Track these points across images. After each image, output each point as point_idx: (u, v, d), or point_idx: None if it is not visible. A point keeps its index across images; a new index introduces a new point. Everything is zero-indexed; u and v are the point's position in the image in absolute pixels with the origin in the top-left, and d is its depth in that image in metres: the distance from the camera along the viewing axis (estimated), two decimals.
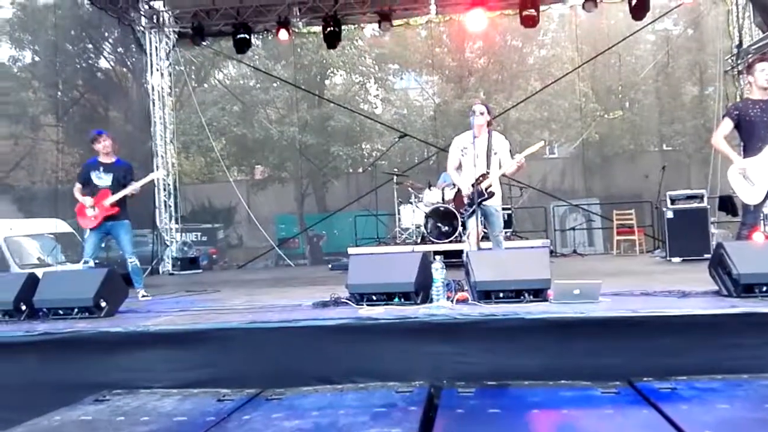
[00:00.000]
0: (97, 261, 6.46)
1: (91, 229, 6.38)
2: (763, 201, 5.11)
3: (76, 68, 18.39)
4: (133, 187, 6.41)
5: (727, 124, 5.25)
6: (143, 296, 6.40)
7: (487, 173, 5.77)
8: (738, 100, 10.83)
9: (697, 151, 16.51)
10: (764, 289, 4.08)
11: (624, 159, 18.74)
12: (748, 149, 5.18)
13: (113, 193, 6.37)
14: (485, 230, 6.34)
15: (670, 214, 8.71)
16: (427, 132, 18.33)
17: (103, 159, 6.50)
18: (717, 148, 5.41)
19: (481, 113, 5.74)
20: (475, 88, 19.09)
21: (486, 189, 5.74)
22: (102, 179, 6.41)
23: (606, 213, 13.98)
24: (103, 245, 6.93)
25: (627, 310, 3.87)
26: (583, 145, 17.71)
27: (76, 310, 4.78)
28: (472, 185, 5.70)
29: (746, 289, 4.10)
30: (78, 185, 6.52)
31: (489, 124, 5.91)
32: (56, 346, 4.22)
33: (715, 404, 3.05)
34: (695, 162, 16.53)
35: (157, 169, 6.51)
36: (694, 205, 8.72)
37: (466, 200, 5.82)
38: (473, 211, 5.70)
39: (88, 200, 6.34)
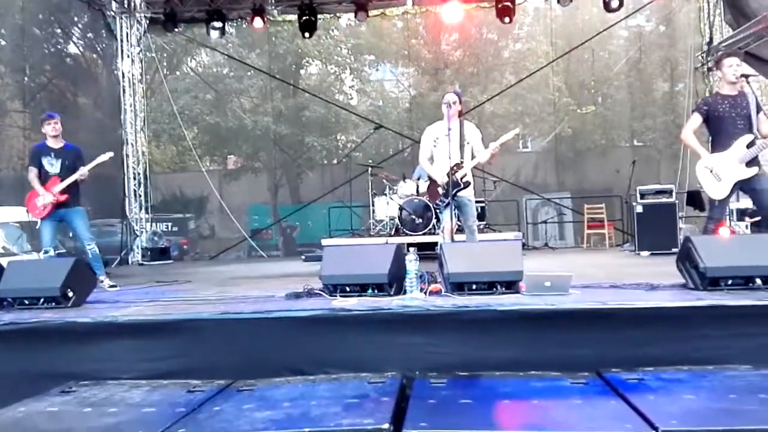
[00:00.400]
0: (60, 251, 6.28)
1: (42, 219, 6.18)
2: (729, 196, 5.18)
3: (44, 53, 17.92)
4: (80, 172, 6.18)
5: (696, 119, 5.33)
6: (110, 286, 6.25)
7: (461, 163, 5.78)
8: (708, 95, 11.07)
9: (667, 147, 16.77)
10: (730, 282, 4.18)
11: (596, 153, 18.96)
12: (716, 144, 5.24)
13: (62, 180, 6.16)
14: (459, 222, 6.37)
15: (639, 209, 8.85)
16: (402, 124, 18.31)
17: (51, 143, 6.27)
18: (686, 143, 5.49)
19: (453, 102, 5.73)
20: (450, 81, 19.09)
21: (461, 179, 5.75)
22: (53, 165, 6.20)
23: (577, 207, 14.16)
24: (58, 233, 6.70)
25: (596, 302, 3.93)
26: (556, 139, 17.86)
27: (42, 300, 4.68)
28: (447, 175, 5.71)
29: (712, 282, 4.19)
30: (34, 170, 6.24)
31: (461, 113, 5.92)
32: (22, 337, 4.13)
33: (681, 395, 3.12)
34: (665, 157, 16.79)
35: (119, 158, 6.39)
36: (663, 199, 8.87)
37: (441, 190, 5.82)
38: (448, 203, 5.72)
39: (43, 191, 6.13)
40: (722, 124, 5.13)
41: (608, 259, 8.27)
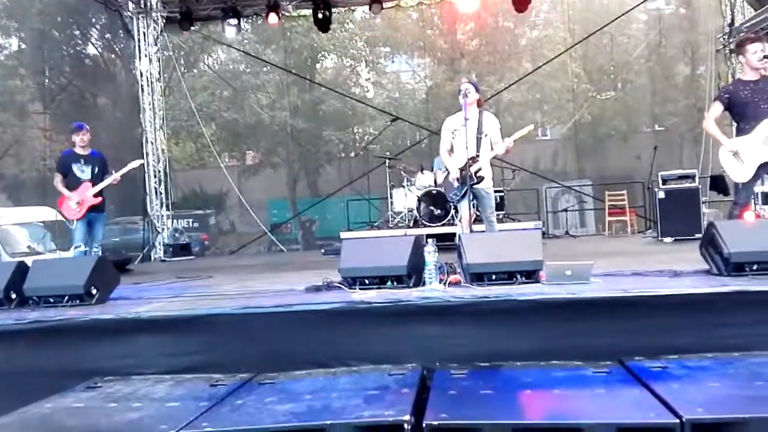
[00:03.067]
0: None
1: (77, 219, 6.68)
2: (753, 179, 5.14)
3: (63, 55, 18.22)
4: (114, 177, 6.72)
5: (717, 108, 5.29)
6: None
7: (477, 156, 5.71)
8: (729, 80, 10.85)
9: (689, 131, 16.52)
10: (755, 267, 4.10)
11: (616, 140, 18.73)
12: (740, 129, 5.23)
13: (94, 185, 6.68)
14: (477, 212, 6.33)
15: (661, 195, 8.72)
16: (419, 115, 18.25)
17: (80, 151, 6.77)
18: (708, 132, 5.45)
19: (468, 91, 5.62)
20: (467, 71, 18.96)
21: (475, 173, 5.69)
22: (84, 172, 6.71)
23: (598, 194, 14.01)
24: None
25: (618, 290, 3.88)
26: (575, 126, 17.68)
27: (66, 297, 4.75)
28: (461, 169, 5.66)
29: (737, 268, 4.11)
30: (59, 176, 6.77)
31: (479, 104, 5.85)
32: (47, 334, 4.19)
33: (705, 382, 3.07)
34: (687, 142, 16.56)
35: (142, 158, 6.93)
36: (686, 185, 8.73)
37: (455, 183, 5.77)
38: (464, 195, 5.68)
39: (74, 196, 6.67)
40: (745, 109, 5.10)
41: (630, 246, 8.17)
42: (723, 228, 4.30)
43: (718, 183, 10.06)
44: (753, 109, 5.06)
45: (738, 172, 5.14)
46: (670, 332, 3.71)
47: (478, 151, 5.72)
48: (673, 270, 4.53)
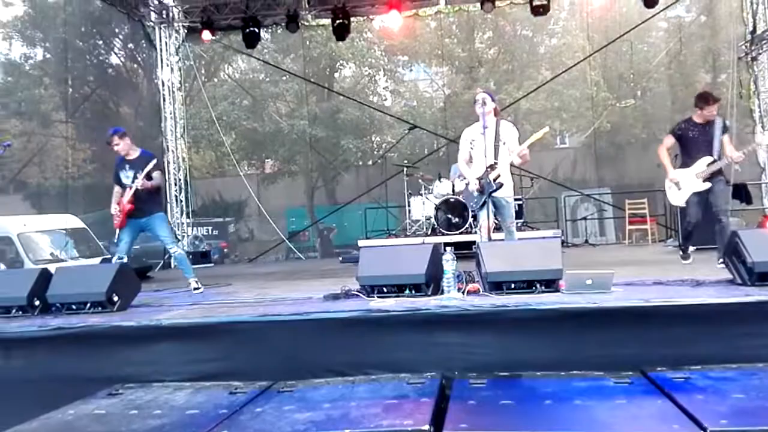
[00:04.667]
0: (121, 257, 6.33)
1: (120, 228, 6.28)
2: (688, 202, 6.07)
3: (86, 64, 18.51)
4: (136, 184, 6.16)
5: (669, 140, 6.22)
6: (195, 288, 6.33)
7: (495, 164, 5.69)
8: (752, 88, 10.74)
9: None
10: None
11: (636, 148, 18.55)
12: (683, 162, 6.12)
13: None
14: (497, 221, 6.30)
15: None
16: (437, 123, 18.25)
17: (127, 156, 6.32)
18: (659, 158, 6.31)
19: (483, 101, 5.59)
20: (485, 79, 18.96)
21: (494, 180, 5.67)
22: (128, 177, 6.26)
23: (618, 202, 13.88)
24: (137, 241, 6.70)
25: (640, 299, 3.84)
26: (594, 134, 17.56)
27: (89, 304, 4.81)
28: (479, 178, 5.64)
29: (761, 277, 4.06)
30: (116, 186, 6.37)
31: (496, 113, 5.84)
32: (70, 341, 4.25)
33: (729, 393, 3.03)
34: None
35: (162, 165, 6.34)
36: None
37: (475, 192, 5.76)
38: (483, 203, 5.66)
39: (115, 205, 6.27)
40: (690, 146, 6.01)
41: (651, 255, 8.08)
42: (746, 237, 4.24)
43: (741, 192, 9.90)
44: (696, 147, 5.95)
45: (675, 198, 6.17)
46: (693, 342, 3.66)
47: (496, 158, 5.69)
48: (695, 279, 4.49)
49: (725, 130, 5.91)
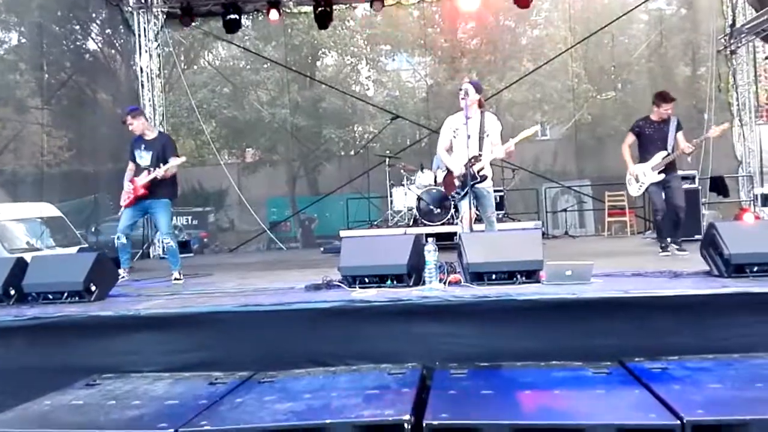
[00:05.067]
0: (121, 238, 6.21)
1: (125, 207, 6.19)
2: (643, 193, 6.75)
3: (63, 50, 18.11)
4: (156, 173, 6.02)
5: (630, 137, 6.82)
6: (175, 279, 6.24)
7: (479, 156, 5.70)
8: (730, 81, 10.89)
9: (689, 132, 16.38)
10: (755, 269, 4.11)
11: (616, 140, 18.49)
12: (641, 156, 6.68)
13: (150, 173, 6.07)
14: (478, 212, 6.32)
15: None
16: (419, 114, 18.21)
17: (144, 135, 6.18)
18: (622, 155, 6.90)
19: (467, 91, 5.59)
20: (467, 69, 18.91)
21: (478, 172, 5.68)
22: (143, 158, 6.12)
23: (598, 194, 13.98)
24: (138, 222, 6.74)
25: (618, 290, 3.89)
26: (575, 126, 17.64)
27: (65, 294, 4.75)
28: (465, 167, 5.65)
29: (737, 269, 4.12)
30: (130, 164, 6.23)
31: (481, 104, 5.84)
32: (46, 331, 4.19)
33: (706, 384, 3.08)
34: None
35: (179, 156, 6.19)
36: (686, 186, 8.69)
37: (457, 182, 5.77)
38: (465, 194, 5.67)
39: (128, 184, 6.17)
40: (647, 143, 6.61)
41: (630, 247, 8.17)
42: (724, 229, 4.30)
43: (718, 184, 10.05)
44: (653, 143, 6.55)
45: (634, 189, 6.80)
46: (670, 333, 3.71)
47: (480, 150, 5.71)
48: (673, 271, 4.54)
49: (679, 127, 6.57)
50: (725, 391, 2.95)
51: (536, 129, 6.20)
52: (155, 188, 6.15)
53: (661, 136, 6.54)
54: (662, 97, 6.66)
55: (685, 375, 3.22)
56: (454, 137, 5.83)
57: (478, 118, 5.73)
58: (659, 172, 6.52)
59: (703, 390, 2.97)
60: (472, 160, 5.62)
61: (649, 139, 6.62)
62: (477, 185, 5.72)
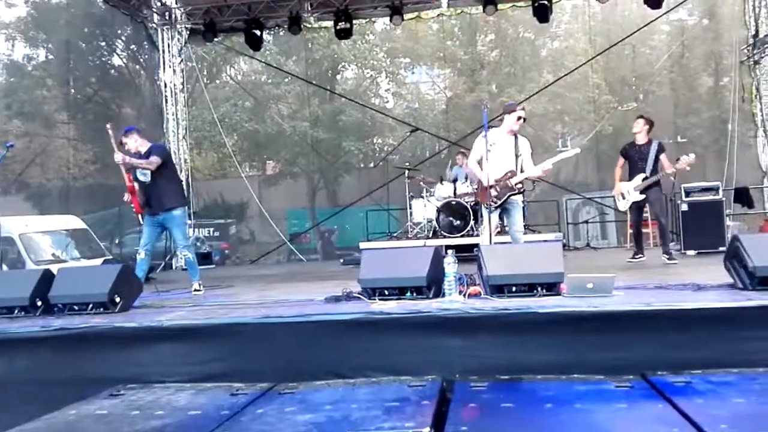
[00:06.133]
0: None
1: (143, 218, 6.21)
2: (630, 208, 7.39)
3: (89, 66, 18.54)
4: (117, 158, 5.90)
5: (620, 159, 7.51)
6: (195, 290, 6.29)
7: (514, 171, 5.85)
8: (753, 92, 10.75)
9: (713, 143, 16.30)
10: None
11: None
12: (628, 176, 7.35)
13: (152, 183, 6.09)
14: (503, 225, 6.42)
15: (684, 207, 8.62)
16: (438, 126, 18.27)
17: (139, 153, 6.21)
18: (615, 175, 7.60)
19: (519, 118, 5.90)
20: (487, 81, 18.97)
21: (515, 185, 5.83)
22: (145, 175, 6.13)
23: None
24: (162, 234, 6.71)
25: (641, 303, 3.85)
26: (596, 137, 17.55)
27: (91, 305, 4.82)
28: (497, 180, 5.79)
29: (762, 281, 4.05)
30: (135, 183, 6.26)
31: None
32: (72, 342, 4.26)
33: (730, 398, 3.03)
34: (710, 154, 16.32)
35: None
36: (709, 197, 8.61)
37: (494, 192, 5.85)
38: (500, 204, 5.82)
39: (128, 196, 6.19)
40: (632, 164, 7.30)
41: (653, 259, 8.07)
42: (748, 241, 4.24)
43: (743, 195, 9.91)
44: (636, 165, 7.23)
45: (621, 205, 7.47)
46: (693, 347, 3.66)
47: (515, 167, 5.89)
48: (696, 284, 4.48)
49: (661, 150, 7.19)
50: (750, 406, 2.91)
51: (576, 152, 7.01)
52: (156, 201, 6.14)
53: (642, 158, 7.21)
54: (638, 117, 7.54)
55: (709, 389, 3.18)
56: (490, 150, 5.87)
57: (513, 139, 5.96)
58: (641, 192, 7.19)
59: (728, 405, 2.93)
60: (509, 173, 5.84)
61: (632, 160, 7.31)
62: (513, 196, 5.90)
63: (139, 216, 6.24)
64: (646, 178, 7.17)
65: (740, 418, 2.74)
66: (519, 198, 6.02)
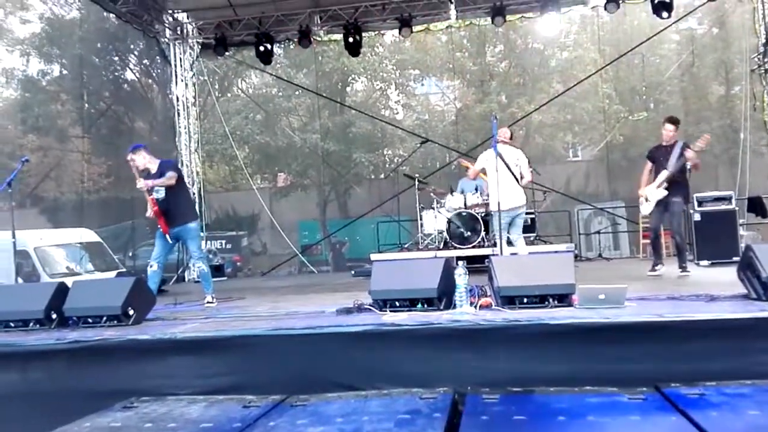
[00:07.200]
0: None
1: (159, 233, 6.32)
2: (653, 210, 7.23)
3: (102, 80, 18.79)
4: (140, 185, 6.12)
5: (648, 164, 7.40)
6: (208, 303, 6.35)
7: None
8: (765, 100, 10.72)
9: (724, 152, 16.19)
10: None
11: None
12: (655, 175, 7.20)
13: (164, 199, 6.22)
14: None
15: (697, 217, 8.55)
16: (448, 137, 18.28)
17: (149, 171, 6.31)
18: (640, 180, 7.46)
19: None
20: (496, 92, 18.99)
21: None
22: (159, 191, 6.22)
23: (632, 216, 13.78)
24: (175, 247, 6.85)
25: (653, 314, 3.83)
26: (607, 147, 17.50)
27: (104, 318, 4.86)
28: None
29: None
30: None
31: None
32: (86, 354, 4.30)
33: (744, 410, 3.00)
34: (723, 163, 16.22)
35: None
36: (722, 207, 8.55)
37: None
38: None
39: (148, 211, 6.28)
40: (657, 165, 7.19)
41: (666, 270, 8.02)
42: (761, 251, 4.21)
43: (756, 205, 9.83)
44: (660, 165, 7.10)
45: (645, 208, 7.35)
46: (707, 358, 3.63)
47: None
48: (710, 294, 4.46)
49: (685, 147, 7.04)
50: (765, 418, 2.88)
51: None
52: (170, 216, 6.25)
53: (666, 157, 7.09)
54: (665, 120, 7.39)
55: (723, 401, 3.15)
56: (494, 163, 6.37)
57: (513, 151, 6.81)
58: (665, 188, 7.05)
59: (742, 417, 2.90)
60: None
61: (657, 161, 7.20)
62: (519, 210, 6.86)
63: (167, 235, 6.29)
64: (669, 175, 7.02)
65: (755, 430, 2.72)
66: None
